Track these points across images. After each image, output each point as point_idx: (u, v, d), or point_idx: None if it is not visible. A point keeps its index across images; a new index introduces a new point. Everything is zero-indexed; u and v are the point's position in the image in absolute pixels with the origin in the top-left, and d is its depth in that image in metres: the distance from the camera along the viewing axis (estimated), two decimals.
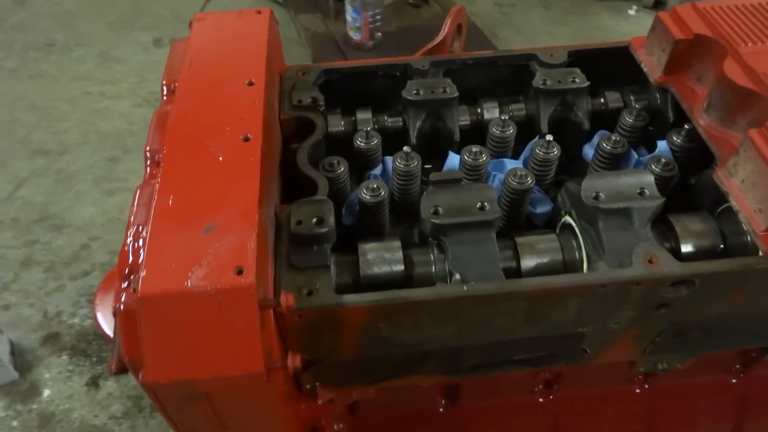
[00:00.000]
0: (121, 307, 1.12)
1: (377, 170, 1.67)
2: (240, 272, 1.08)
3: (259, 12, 1.65)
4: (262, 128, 1.32)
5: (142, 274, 1.07)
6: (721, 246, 1.43)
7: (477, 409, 2.07)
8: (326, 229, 1.30)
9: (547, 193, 1.68)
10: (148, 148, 1.39)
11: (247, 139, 1.30)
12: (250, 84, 1.43)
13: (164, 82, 1.53)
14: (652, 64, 1.69)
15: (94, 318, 3.22)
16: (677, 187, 1.61)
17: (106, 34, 5.37)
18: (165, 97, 1.51)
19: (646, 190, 1.36)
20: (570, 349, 1.49)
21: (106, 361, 3.26)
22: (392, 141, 1.75)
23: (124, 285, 1.13)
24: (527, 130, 1.77)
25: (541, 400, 2.08)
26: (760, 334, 1.56)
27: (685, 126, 1.59)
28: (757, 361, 2.02)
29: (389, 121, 1.76)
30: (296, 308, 1.21)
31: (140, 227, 1.19)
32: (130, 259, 1.15)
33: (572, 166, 1.80)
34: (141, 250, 1.13)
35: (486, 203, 1.36)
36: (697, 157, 1.63)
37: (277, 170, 1.48)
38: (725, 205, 1.49)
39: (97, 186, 4.12)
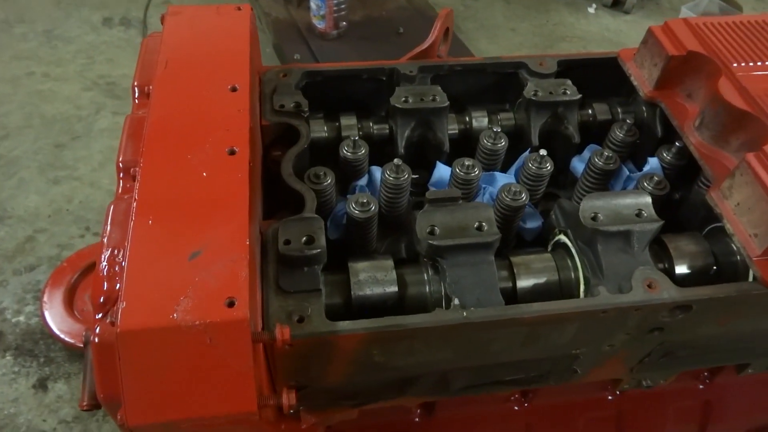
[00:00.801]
0: (96, 339, 1.01)
1: (363, 181, 1.59)
2: (231, 304, 0.99)
3: (239, 8, 1.53)
4: (248, 140, 1.22)
5: (122, 305, 0.97)
6: (714, 267, 1.43)
7: (453, 419, 2.04)
8: (318, 250, 1.22)
9: (537, 207, 1.64)
10: (120, 159, 1.26)
11: (232, 153, 1.20)
12: (234, 90, 1.32)
13: (136, 83, 1.40)
14: (643, 78, 1.67)
15: (41, 316, 3.04)
16: (664, 202, 1.60)
17: (52, 11, 5.04)
18: (137, 101, 1.39)
19: (643, 212, 1.34)
20: (561, 369, 1.46)
21: (55, 362, 3.08)
22: (377, 148, 1.67)
23: (99, 315, 1.02)
24: (515, 140, 1.73)
25: (516, 408, 2.07)
26: (745, 351, 1.57)
27: (676, 144, 1.58)
28: (723, 368, 2.07)
29: (375, 128, 1.68)
30: None
31: (116, 250, 1.08)
32: (106, 285, 1.04)
33: (560, 179, 1.77)
34: (118, 278, 1.02)
35: (484, 223, 1.30)
36: (685, 174, 1.63)
37: (260, 176, 1.39)
38: (715, 225, 1.49)
39: (42, 174, 3.88)
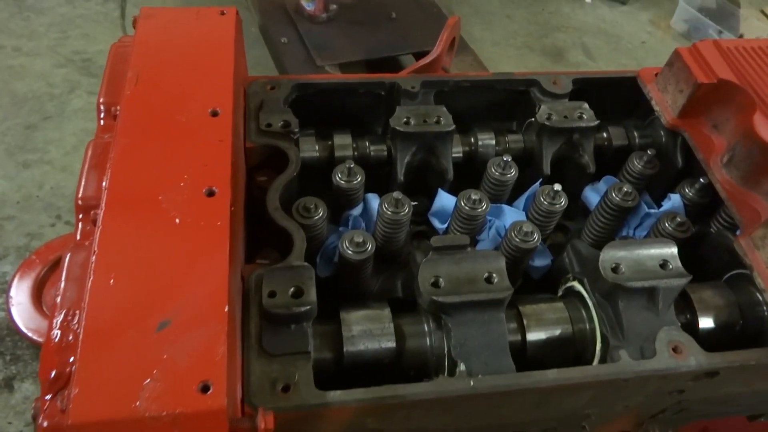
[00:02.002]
0: (45, 423, 0.86)
1: (358, 210, 1.43)
2: (206, 389, 0.85)
3: (223, 13, 1.35)
4: (230, 178, 1.06)
5: (74, 391, 0.81)
6: (740, 321, 1.31)
7: None
8: (307, 307, 1.07)
9: (545, 242, 1.51)
10: (80, 196, 1.09)
11: (211, 194, 1.04)
12: (215, 114, 1.15)
13: (101, 101, 1.22)
14: (665, 104, 1.52)
15: (8, 311, 2.86)
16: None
17: None
18: (103, 122, 1.21)
19: (670, 264, 1.21)
20: (568, 426, 1.34)
21: (22, 360, 2.92)
22: (374, 170, 1.51)
23: (48, 397, 0.86)
24: (523, 164, 1.58)
25: None
26: (764, 404, 1.47)
27: (701, 180, 1.45)
28: None
29: (372, 149, 1.52)
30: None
31: (70, 313, 0.92)
32: (57, 358, 0.89)
33: (570, 207, 1.63)
34: (71, 351, 0.87)
35: (495, 275, 1.16)
36: (705, 210, 1.50)
37: (242, 218, 1.22)
38: (739, 272, 1.37)
39: (11, 157, 3.64)
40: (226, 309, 0.91)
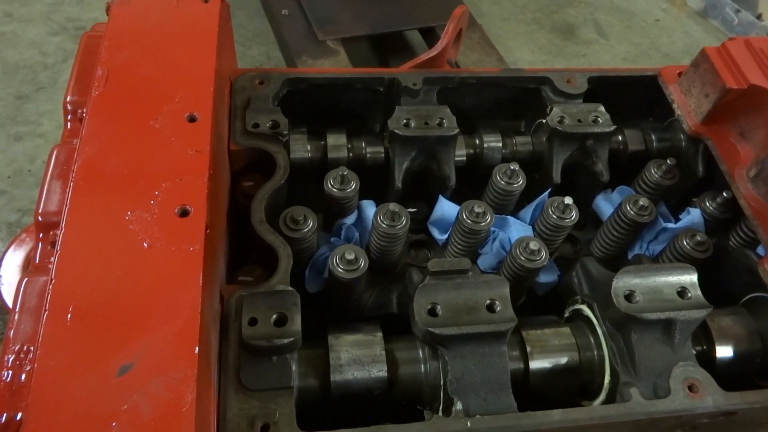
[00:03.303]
0: None
1: (351, 218, 1.33)
2: None
3: (207, 0, 1.22)
4: (207, 195, 0.95)
5: None
6: (762, 351, 1.21)
7: None
8: (290, 338, 0.98)
9: (552, 255, 1.40)
10: (40, 211, 0.99)
11: (185, 213, 0.93)
12: (192, 120, 1.04)
13: (68, 100, 1.10)
14: (688, 108, 1.40)
15: None
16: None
17: None
18: (69, 124, 1.09)
19: (688, 292, 1.11)
20: None
21: None
22: (370, 173, 1.40)
23: None
24: (531, 168, 1.47)
25: None
26: None
27: (724, 194, 1.34)
28: None
29: (368, 150, 1.40)
30: None
31: (23, 349, 0.82)
32: (9, 401, 0.79)
33: (579, 217, 1.52)
34: (23, 396, 0.77)
35: (497, 303, 1.07)
36: (726, 223, 1.39)
37: (223, 234, 1.12)
38: (759, 295, 1.27)
39: (2, 129, 3.52)
40: (196, 350, 0.81)
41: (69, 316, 0.82)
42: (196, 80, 1.08)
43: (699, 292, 1.11)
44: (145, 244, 0.90)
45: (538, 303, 1.39)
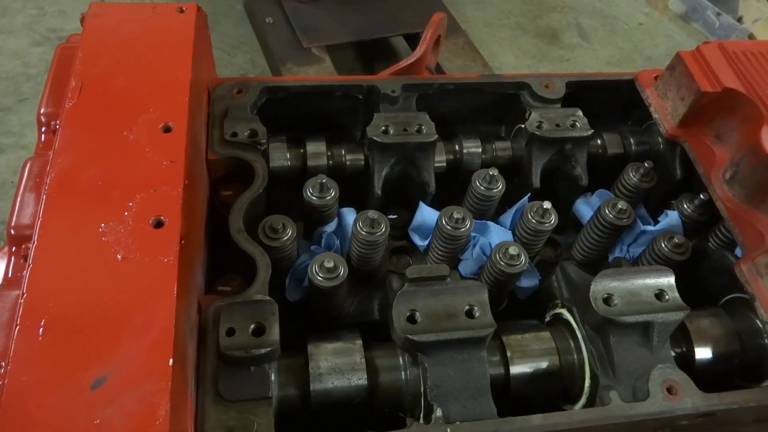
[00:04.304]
0: None
1: (331, 226, 1.33)
2: None
3: (182, 10, 1.22)
4: (181, 205, 0.95)
5: None
6: (740, 352, 1.22)
7: None
8: (268, 348, 0.97)
9: (534, 259, 1.41)
10: (13, 224, 0.98)
11: (159, 224, 0.93)
12: (167, 130, 1.03)
13: (42, 112, 1.09)
14: (665, 111, 1.41)
15: None
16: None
17: None
18: (43, 136, 1.09)
19: (666, 295, 1.12)
20: None
21: None
22: (350, 181, 1.40)
23: None
24: (512, 173, 1.47)
25: None
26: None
27: (701, 196, 1.35)
28: None
29: (348, 158, 1.40)
30: None
31: None
32: None
33: (559, 221, 1.53)
34: None
35: (476, 308, 1.07)
36: (706, 224, 1.40)
37: (201, 242, 1.11)
38: (738, 296, 1.29)
39: None
40: (170, 362, 0.81)
41: (41, 330, 0.82)
42: (171, 90, 1.08)
43: (677, 294, 1.12)
44: (119, 256, 0.89)
45: (519, 308, 1.39)
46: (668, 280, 1.13)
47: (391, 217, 1.45)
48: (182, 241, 0.92)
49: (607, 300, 1.10)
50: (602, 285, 1.11)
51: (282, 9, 4.04)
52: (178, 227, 0.93)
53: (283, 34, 3.78)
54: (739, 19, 4.69)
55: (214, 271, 1.24)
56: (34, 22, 4.21)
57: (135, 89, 1.08)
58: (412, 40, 3.59)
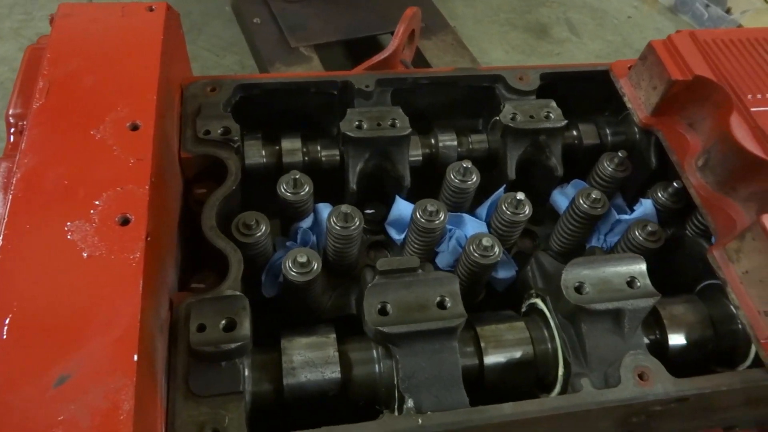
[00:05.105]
0: None
1: (307, 222, 1.33)
2: None
3: (152, 9, 1.22)
4: (147, 203, 0.95)
5: None
6: (713, 338, 1.23)
7: None
8: (238, 343, 0.98)
9: (511, 251, 1.41)
10: None
11: (125, 222, 0.93)
12: (134, 128, 1.04)
13: (10, 113, 1.10)
14: (638, 101, 1.42)
15: None
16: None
17: None
18: (11, 138, 1.09)
19: (637, 282, 1.12)
20: None
21: None
22: (327, 177, 1.41)
23: None
24: (488, 166, 1.48)
25: None
26: (738, 420, 1.40)
27: (674, 184, 1.35)
28: None
29: (323, 154, 1.41)
30: None
31: None
32: None
33: (538, 212, 1.53)
34: None
35: (447, 299, 1.07)
36: (680, 213, 1.41)
37: (173, 240, 1.12)
38: (712, 282, 1.29)
39: None
40: (135, 358, 0.81)
41: (5, 329, 0.82)
42: (138, 88, 1.08)
43: (648, 281, 1.13)
44: (85, 254, 0.89)
45: (498, 299, 1.40)
46: (639, 267, 1.14)
47: (368, 211, 1.46)
48: (148, 238, 0.92)
49: (579, 288, 1.11)
50: (573, 273, 1.12)
51: (269, 9, 4.04)
52: (144, 224, 0.93)
53: (270, 35, 3.78)
54: (728, 11, 4.70)
55: (191, 269, 1.25)
56: (21, 27, 4.21)
57: (102, 88, 1.08)
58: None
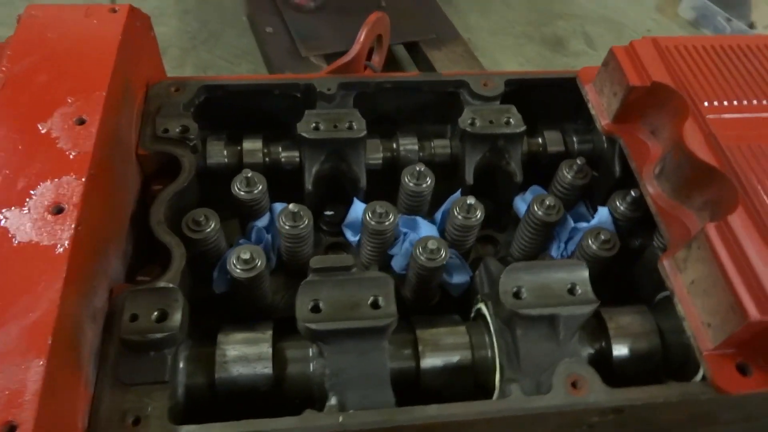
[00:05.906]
0: None
1: (263, 221, 1.35)
2: (12, 430, 0.78)
3: (115, 10, 1.27)
4: (83, 193, 0.99)
5: None
6: (661, 350, 1.20)
7: None
8: (168, 333, 1.00)
9: (468, 256, 1.41)
10: None
11: (59, 211, 0.97)
12: (80, 122, 1.07)
13: None
14: (601, 107, 1.41)
15: None
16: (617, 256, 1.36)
17: None
18: None
19: (578, 288, 1.11)
20: None
21: None
22: (287, 178, 1.43)
23: None
24: (452, 171, 1.48)
25: None
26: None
27: (632, 192, 1.33)
28: None
29: (284, 155, 1.43)
30: None
31: None
32: None
33: (501, 219, 1.53)
34: None
35: (381, 299, 1.07)
36: (645, 223, 1.38)
37: (122, 233, 1.15)
38: (667, 294, 1.26)
39: None
40: (48, 341, 0.84)
41: None
42: (89, 84, 1.12)
43: (589, 288, 1.11)
44: (15, 241, 0.93)
45: (454, 304, 1.39)
46: (581, 275, 1.12)
47: (327, 213, 1.48)
48: (79, 227, 0.95)
49: (517, 293, 1.10)
50: (512, 278, 1.11)
51: (281, 18, 4.12)
52: (76, 214, 0.96)
53: (282, 44, 3.84)
54: (751, 25, 4.59)
55: (148, 262, 1.28)
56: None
57: (56, 84, 1.13)
58: (412, 49, 3.62)
